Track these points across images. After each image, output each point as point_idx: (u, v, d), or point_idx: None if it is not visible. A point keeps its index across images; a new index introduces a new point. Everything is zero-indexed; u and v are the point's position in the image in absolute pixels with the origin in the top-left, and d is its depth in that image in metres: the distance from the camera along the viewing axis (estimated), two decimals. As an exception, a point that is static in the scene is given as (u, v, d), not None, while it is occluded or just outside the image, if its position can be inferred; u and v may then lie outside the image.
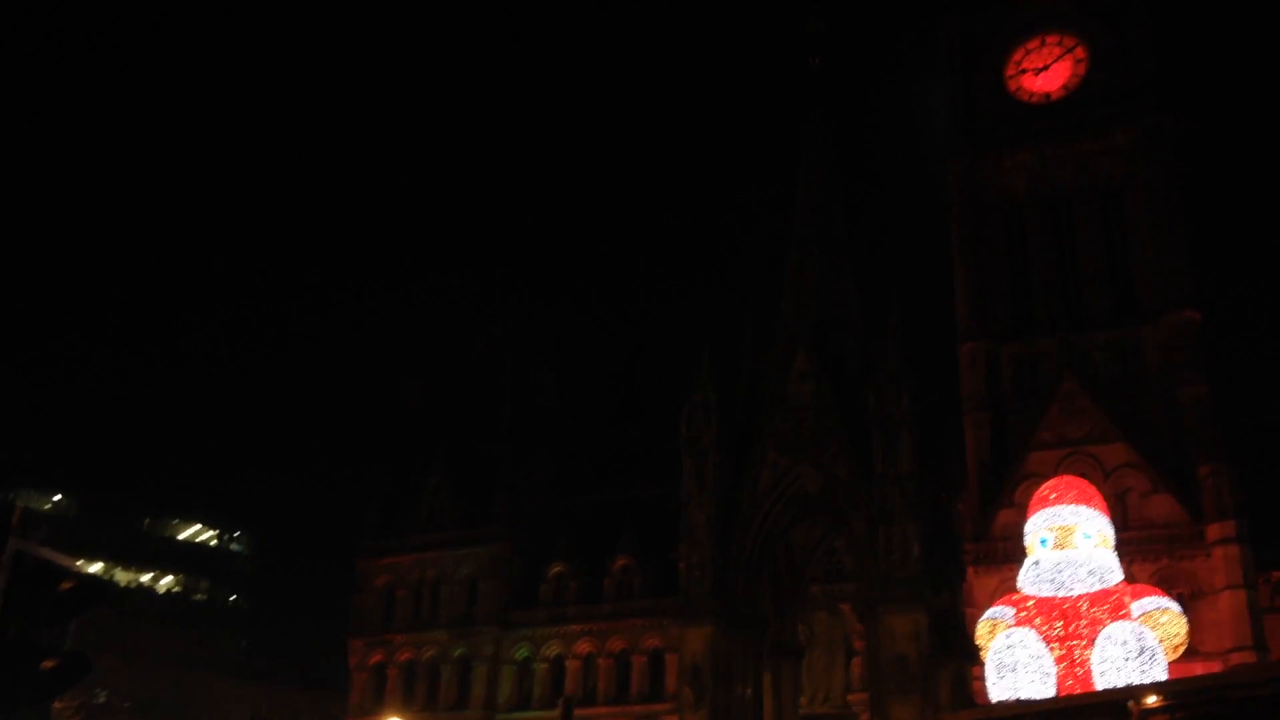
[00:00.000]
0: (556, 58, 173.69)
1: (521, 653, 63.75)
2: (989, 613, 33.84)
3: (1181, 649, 32.69)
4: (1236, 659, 44.37)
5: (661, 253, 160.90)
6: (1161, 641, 31.46)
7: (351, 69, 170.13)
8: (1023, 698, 28.86)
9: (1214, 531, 48.80)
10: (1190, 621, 36.73)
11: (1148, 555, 48.99)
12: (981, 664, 32.09)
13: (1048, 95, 61.33)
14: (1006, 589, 39.45)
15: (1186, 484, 50.63)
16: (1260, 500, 49.43)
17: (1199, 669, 38.80)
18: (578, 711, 41.03)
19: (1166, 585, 45.33)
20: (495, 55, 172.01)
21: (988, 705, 30.40)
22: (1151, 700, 22.70)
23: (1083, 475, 41.56)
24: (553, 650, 63.18)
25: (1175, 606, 33.42)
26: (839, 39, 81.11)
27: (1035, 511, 34.94)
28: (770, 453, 31.43)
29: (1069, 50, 61.29)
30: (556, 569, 64.38)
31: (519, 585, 65.56)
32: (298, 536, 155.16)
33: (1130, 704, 22.76)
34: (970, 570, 48.26)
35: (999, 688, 31.10)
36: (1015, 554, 41.43)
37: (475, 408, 71.87)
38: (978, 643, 32.21)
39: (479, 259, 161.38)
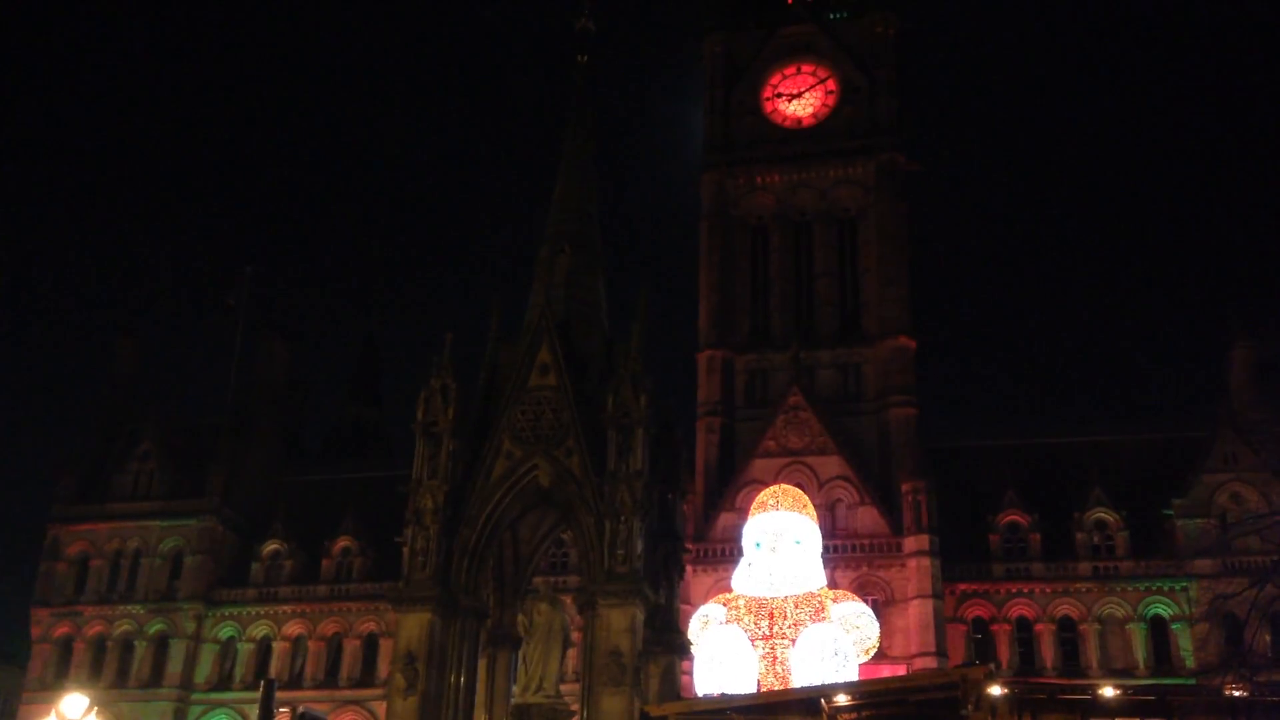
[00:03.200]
0: (310, 35, 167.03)
1: (225, 632, 60.90)
2: (701, 610, 35.26)
3: (872, 651, 35.16)
4: (920, 663, 48.02)
5: (415, 238, 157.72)
6: (855, 644, 33.78)
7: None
8: (726, 692, 30.16)
9: (910, 544, 52.59)
10: (882, 627, 39.57)
11: (850, 563, 52.31)
12: (692, 658, 33.35)
13: (799, 121, 64.42)
14: (722, 588, 41.21)
15: (890, 499, 54.35)
16: (952, 518, 53.67)
17: (886, 671, 41.78)
18: (282, 694, 39.59)
19: (864, 592, 48.66)
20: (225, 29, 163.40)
21: (692, 698, 31.57)
22: (841, 699, 24.16)
23: (799, 485, 43.97)
24: (260, 631, 60.67)
25: (870, 612, 35.92)
26: (609, 41, 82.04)
27: (753, 516, 36.71)
28: (506, 443, 31.28)
29: (821, 81, 64.58)
30: (271, 547, 61.84)
31: (230, 563, 62.57)
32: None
33: (823, 701, 24.15)
34: (690, 569, 49.91)
35: (705, 682, 32.42)
36: (733, 555, 43.35)
37: (197, 376, 68.08)
38: (689, 638, 33.45)
39: (218, 223, 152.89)
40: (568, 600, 32.97)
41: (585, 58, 39.47)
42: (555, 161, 35.56)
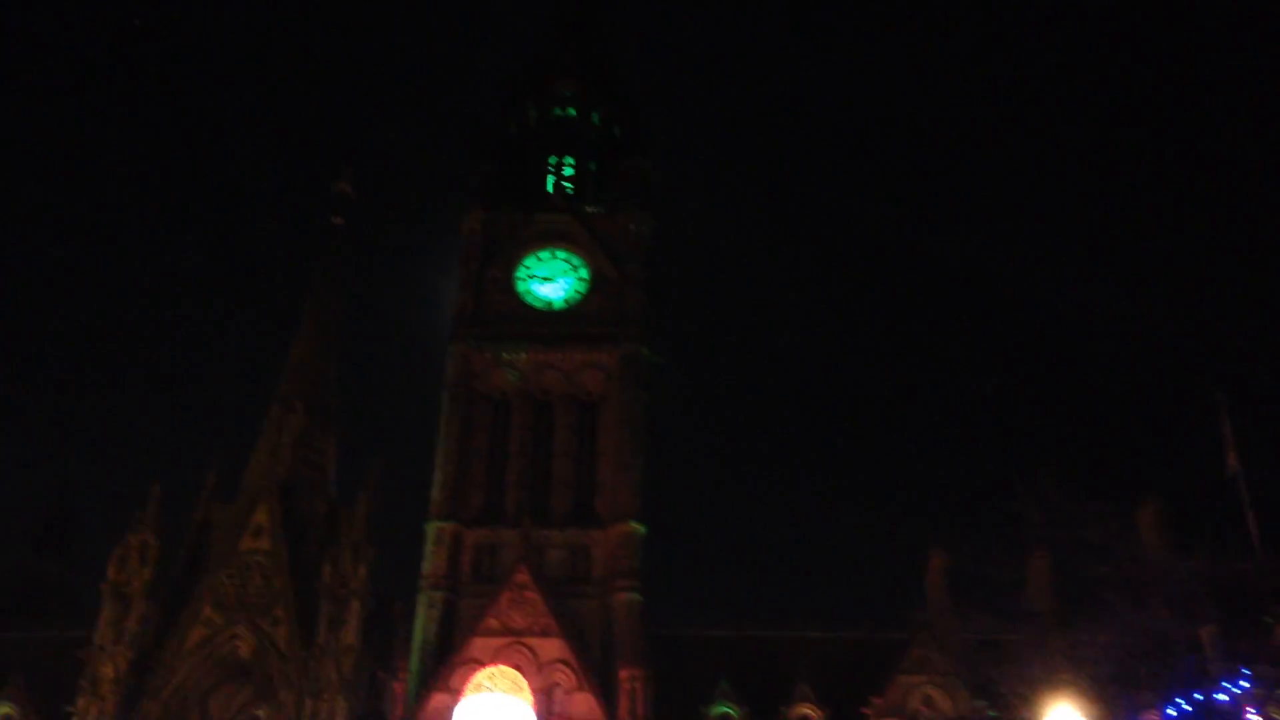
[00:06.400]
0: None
1: None
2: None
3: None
4: None
5: (127, 377, 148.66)
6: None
7: None
8: None
9: (624, 733, 52.27)
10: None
11: (563, 751, 51.34)
12: None
13: (550, 303, 66.28)
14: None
15: (609, 685, 54.12)
16: (667, 707, 53.91)
17: None
18: None
19: (572, 782, 47.75)
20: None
21: None
22: None
23: (518, 666, 43.44)
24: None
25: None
26: (366, 207, 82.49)
27: (466, 697, 35.88)
28: (207, 609, 29.71)
29: (574, 268, 67.03)
30: (-79, 711, 54.40)
31: None
32: None
33: None
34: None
35: None
36: (441, 740, 41.83)
37: None
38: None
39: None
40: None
41: (341, 220, 39.68)
42: (294, 319, 35.16)
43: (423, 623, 56.33)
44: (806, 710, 55.95)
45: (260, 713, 33.40)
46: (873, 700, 55.39)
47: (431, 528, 58.80)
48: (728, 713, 56.10)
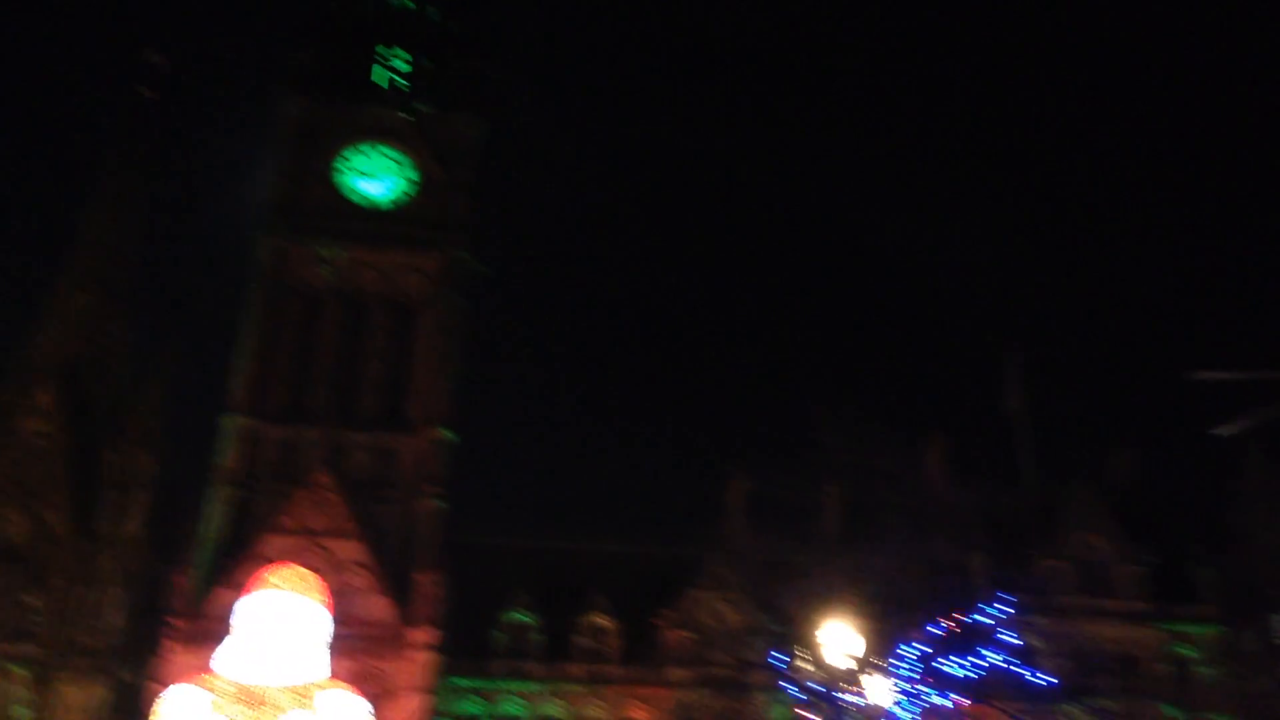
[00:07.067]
0: None
1: None
2: (173, 691, 32.86)
3: (361, 745, 34.30)
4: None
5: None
6: (341, 737, 32.75)
7: None
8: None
9: (415, 637, 52.42)
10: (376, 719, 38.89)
11: (353, 652, 50.62)
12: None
13: (373, 201, 64.29)
14: (207, 670, 38.62)
15: (406, 590, 54.01)
16: (464, 614, 54.28)
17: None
18: None
19: (364, 683, 47.46)
20: None
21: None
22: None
23: (312, 567, 42.48)
24: None
25: (363, 704, 35.09)
26: (179, 80, 77.25)
27: (253, 594, 34.95)
28: (-25, 489, 27.92)
29: (401, 167, 65.11)
30: None
31: None
32: None
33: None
34: (173, 646, 46.29)
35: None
36: (225, 634, 40.86)
37: None
38: (155, 721, 31.01)
39: None
40: (18, 673, 29.55)
41: (151, 92, 37.32)
42: (88, 194, 32.91)
43: (213, 518, 54.75)
44: (600, 619, 57.40)
45: (28, 598, 31.87)
46: (664, 612, 57.24)
47: (229, 421, 56.92)
48: (523, 620, 57.03)
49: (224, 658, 33.53)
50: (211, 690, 31.96)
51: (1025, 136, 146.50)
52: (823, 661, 29.15)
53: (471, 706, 55.13)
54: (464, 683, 54.89)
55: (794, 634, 34.47)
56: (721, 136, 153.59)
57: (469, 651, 55.01)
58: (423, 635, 52.47)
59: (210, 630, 49.07)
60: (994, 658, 26.34)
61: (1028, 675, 31.42)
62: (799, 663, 33.47)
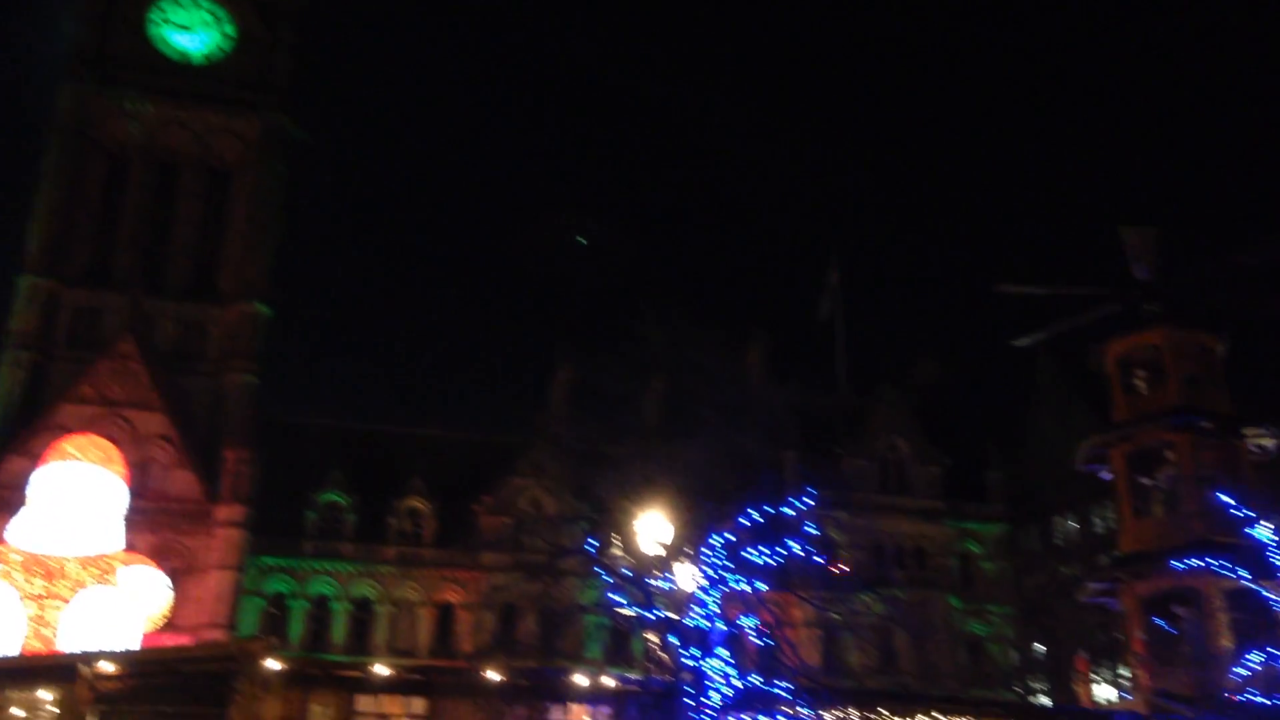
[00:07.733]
0: None
1: None
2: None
3: (162, 620, 33.58)
4: (209, 635, 46.69)
5: None
6: (142, 612, 31.94)
7: None
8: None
9: (222, 513, 51.15)
10: (177, 596, 37.91)
11: (155, 527, 49.22)
12: None
13: (188, 56, 60.41)
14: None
15: (213, 466, 52.41)
16: (275, 492, 53.13)
17: (171, 641, 39.95)
18: None
19: (165, 558, 46.14)
20: None
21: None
22: (105, 666, 22.75)
23: (112, 438, 40.67)
24: None
25: (164, 579, 34.19)
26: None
27: (48, 464, 33.37)
28: None
29: (219, 21, 61.23)
30: None
31: None
32: None
33: (83, 668, 22.56)
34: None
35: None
36: (17, 504, 38.92)
37: None
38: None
39: None
40: None
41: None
42: None
43: (5, 383, 51.79)
44: (416, 503, 57.25)
45: None
46: (483, 498, 57.50)
47: (24, 282, 53.50)
48: (337, 500, 56.34)
49: (17, 527, 32.02)
50: (4, 560, 30.50)
51: (857, 49, 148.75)
52: (635, 549, 29.90)
53: (281, 585, 54.51)
54: (274, 561, 54.20)
55: (609, 522, 35.12)
56: (571, 11, 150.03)
57: (280, 530, 54.17)
58: (229, 512, 51.23)
59: (2, 499, 46.81)
60: (796, 548, 27.44)
61: (823, 563, 33.11)
62: (612, 549, 34.25)
